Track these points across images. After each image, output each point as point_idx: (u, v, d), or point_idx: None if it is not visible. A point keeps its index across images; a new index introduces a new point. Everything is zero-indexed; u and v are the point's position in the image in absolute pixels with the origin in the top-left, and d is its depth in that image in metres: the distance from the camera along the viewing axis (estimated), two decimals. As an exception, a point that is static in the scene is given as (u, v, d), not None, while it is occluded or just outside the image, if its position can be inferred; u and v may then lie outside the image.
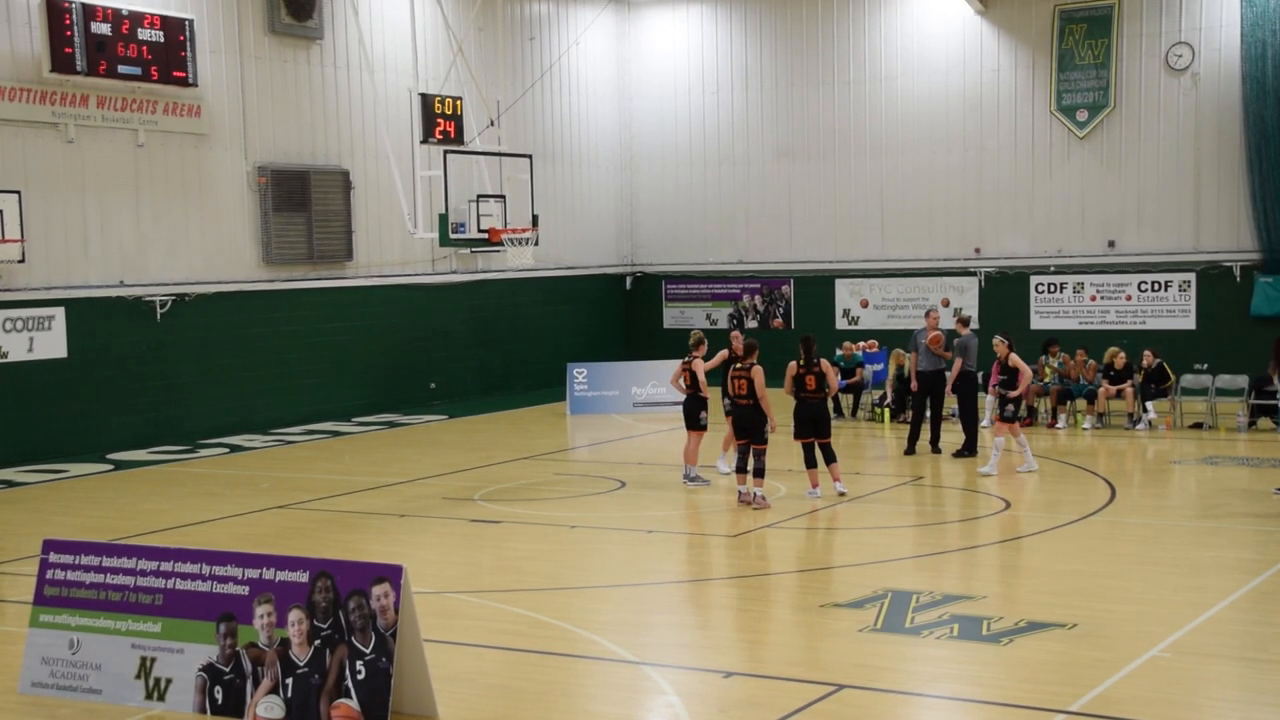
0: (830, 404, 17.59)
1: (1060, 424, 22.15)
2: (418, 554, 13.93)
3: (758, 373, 15.70)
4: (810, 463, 16.42)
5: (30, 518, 16.37)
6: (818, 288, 29.86)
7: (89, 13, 20.53)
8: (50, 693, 9.45)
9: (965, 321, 20.80)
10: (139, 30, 21.20)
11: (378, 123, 24.91)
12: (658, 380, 25.86)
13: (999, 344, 18.41)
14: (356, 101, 25.52)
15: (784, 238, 30.36)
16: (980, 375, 20.62)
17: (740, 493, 15.97)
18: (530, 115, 28.90)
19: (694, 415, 17.27)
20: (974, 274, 28.40)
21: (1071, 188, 27.55)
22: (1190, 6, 26.27)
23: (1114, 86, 26.91)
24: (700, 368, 17.19)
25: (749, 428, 15.79)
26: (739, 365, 15.90)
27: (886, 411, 23.00)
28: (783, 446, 17.86)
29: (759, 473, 15.72)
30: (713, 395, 17.59)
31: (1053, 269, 27.72)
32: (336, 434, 23.53)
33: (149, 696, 9.17)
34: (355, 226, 25.43)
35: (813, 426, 16.38)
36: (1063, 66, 27.33)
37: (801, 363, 16.33)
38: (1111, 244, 27.27)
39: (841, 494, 16.28)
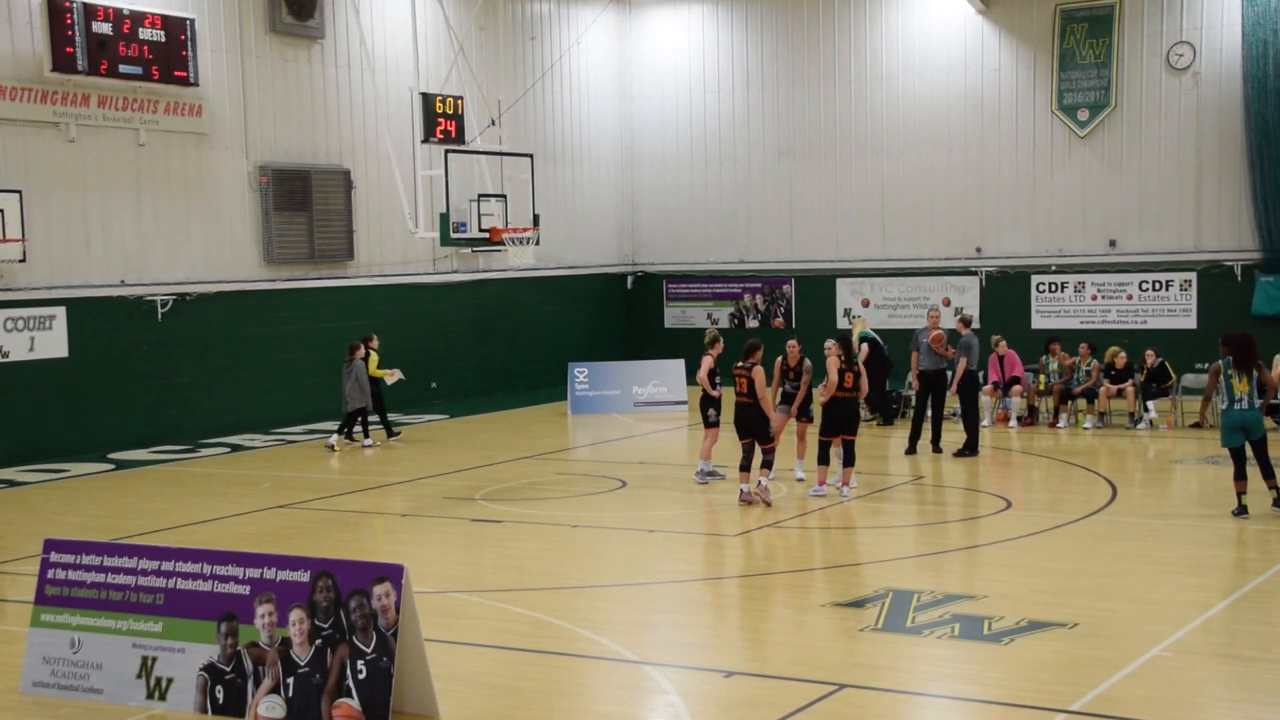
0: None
1: (1061, 423, 22.15)
2: (419, 553, 13.93)
3: (758, 373, 15.69)
4: (824, 459, 16.40)
5: (31, 517, 16.36)
6: (819, 287, 29.85)
7: (90, 12, 20.52)
8: (51, 692, 9.45)
9: (967, 321, 20.82)
10: (140, 30, 21.20)
11: (379, 122, 24.91)
12: (659, 380, 25.88)
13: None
14: (358, 101, 25.52)
15: (785, 237, 30.36)
16: (980, 374, 20.61)
17: (742, 492, 15.96)
18: (531, 115, 28.89)
19: (703, 413, 17.30)
20: (975, 273, 28.40)
21: (1072, 187, 27.55)
22: (1191, 6, 26.26)
23: (1115, 86, 26.90)
24: (706, 366, 17.18)
25: (751, 427, 15.79)
26: (741, 365, 15.89)
27: (877, 417, 22.83)
28: (803, 447, 17.77)
29: (767, 465, 15.74)
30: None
31: (1054, 268, 27.71)
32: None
33: (150, 696, 9.17)
34: (356, 226, 25.43)
35: (842, 424, 16.41)
36: (1064, 66, 27.33)
37: (842, 360, 16.35)
38: (1112, 243, 27.26)
39: (844, 495, 16.28)
